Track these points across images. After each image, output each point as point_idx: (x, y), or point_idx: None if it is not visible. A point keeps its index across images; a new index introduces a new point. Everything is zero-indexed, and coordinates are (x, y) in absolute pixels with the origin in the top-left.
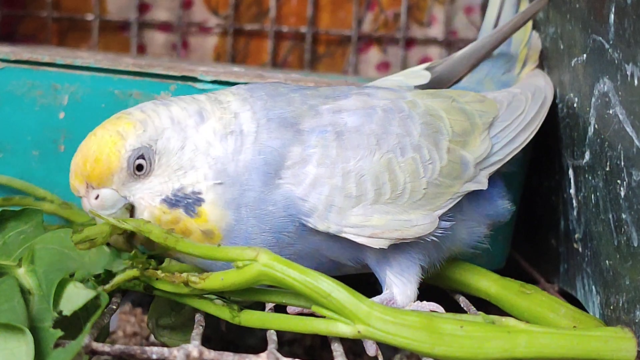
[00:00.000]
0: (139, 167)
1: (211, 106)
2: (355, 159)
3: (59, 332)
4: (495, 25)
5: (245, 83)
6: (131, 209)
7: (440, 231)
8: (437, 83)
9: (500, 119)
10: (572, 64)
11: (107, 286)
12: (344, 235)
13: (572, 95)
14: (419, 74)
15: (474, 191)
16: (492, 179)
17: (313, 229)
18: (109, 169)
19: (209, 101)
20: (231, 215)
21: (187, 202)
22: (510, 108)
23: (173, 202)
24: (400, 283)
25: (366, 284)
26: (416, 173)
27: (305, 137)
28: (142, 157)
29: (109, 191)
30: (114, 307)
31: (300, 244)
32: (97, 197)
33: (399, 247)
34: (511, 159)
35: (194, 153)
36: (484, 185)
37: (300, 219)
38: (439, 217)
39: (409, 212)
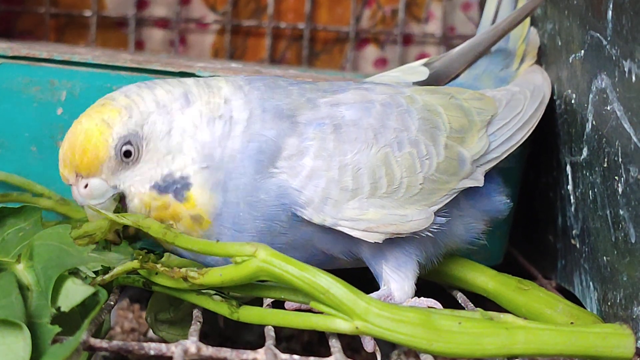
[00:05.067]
0: (127, 154)
1: (198, 90)
2: (352, 152)
3: (57, 328)
4: (493, 21)
5: None
6: (119, 198)
7: (436, 227)
8: (435, 79)
9: (499, 117)
10: (570, 60)
11: (107, 276)
12: (339, 228)
13: (569, 91)
14: (417, 70)
15: (471, 187)
16: (489, 175)
17: (305, 220)
18: (97, 158)
19: (196, 85)
20: (218, 198)
21: (176, 187)
22: (509, 106)
23: (162, 187)
24: (398, 278)
25: (364, 280)
26: (413, 168)
27: (302, 129)
28: (129, 143)
29: (98, 181)
30: (112, 303)
31: (292, 234)
32: (86, 186)
33: (395, 242)
34: (508, 155)
35: (182, 137)
36: (480, 182)
37: (293, 209)
38: (435, 213)
39: (405, 207)
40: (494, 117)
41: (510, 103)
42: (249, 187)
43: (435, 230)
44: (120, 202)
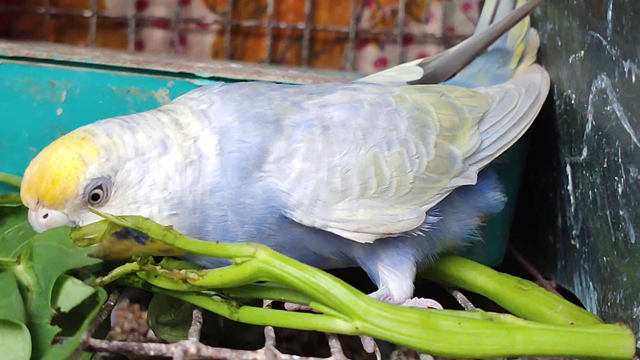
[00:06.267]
0: (95, 197)
1: (174, 132)
2: (341, 153)
3: (57, 329)
4: (491, 21)
5: (243, 80)
6: None
7: (428, 226)
8: (430, 79)
9: (491, 114)
10: (570, 61)
11: (106, 278)
12: (329, 229)
13: (569, 91)
14: (412, 69)
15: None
16: (483, 171)
17: (294, 222)
18: (64, 193)
19: (172, 125)
20: (193, 234)
21: (138, 233)
22: (502, 103)
23: (122, 234)
24: (395, 278)
25: (364, 280)
26: (403, 167)
27: (290, 132)
28: (99, 187)
29: (59, 214)
30: (112, 303)
31: (281, 235)
32: (45, 216)
33: (389, 242)
34: (503, 152)
35: (151, 189)
36: (473, 181)
37: (282, 212)
38: (427, 212)
39: (395, 207)
40: (486, 114)
41: (503, 100)
42: (234, 196)
43: (427, 230)
44: None
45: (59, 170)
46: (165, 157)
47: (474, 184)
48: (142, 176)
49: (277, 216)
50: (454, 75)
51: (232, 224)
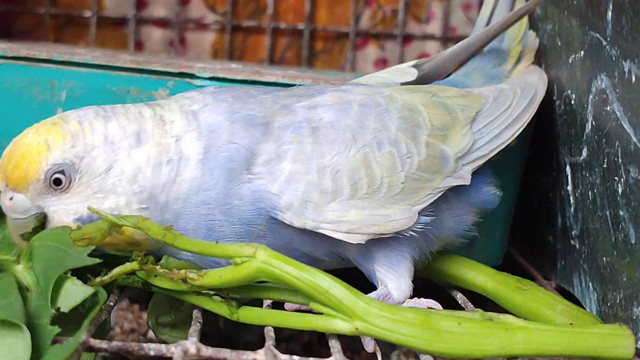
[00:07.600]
0: (57, 182)
1: (152, 127)
2: (330, 154)
3: (57, 329)
4: (488, 23)
5: (243, 80)
6: (43, 218)
7: (421, 226)
8: (425, 80)
9: (485, 113)
10: (570, 61)
11: (106, 277)
12: (320, 231)
13: (569, 92)
14: (406, 71)
15: None
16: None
17: (285, 223)
18: (25, 177)
19: (153, 121)
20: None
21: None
22: (496, 103)
23: (86, 222)
24: (393, 277)
25: (364, 280)
26: (393, 167)
27: (279, 134)
28: (61, 172)
29: (23, 197)
30: (112, 303)
31: (271, 236)
32: (11, 199)
33: (384, 241)
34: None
35: (119, 178)
36: (466, 181)
37: (272, 214)
38: (419, 212)
39: (387, 207)
40: (479, 114)
41: (497, 100)
42: (221, 196)
43: (422, 229)
44: (43, 223)
45: (24, 154)
46: (137, 149)
47: (468, 183)
48: (109, 165)
49: (267, 218)
50: (449, 75)
51: (219, 223)
